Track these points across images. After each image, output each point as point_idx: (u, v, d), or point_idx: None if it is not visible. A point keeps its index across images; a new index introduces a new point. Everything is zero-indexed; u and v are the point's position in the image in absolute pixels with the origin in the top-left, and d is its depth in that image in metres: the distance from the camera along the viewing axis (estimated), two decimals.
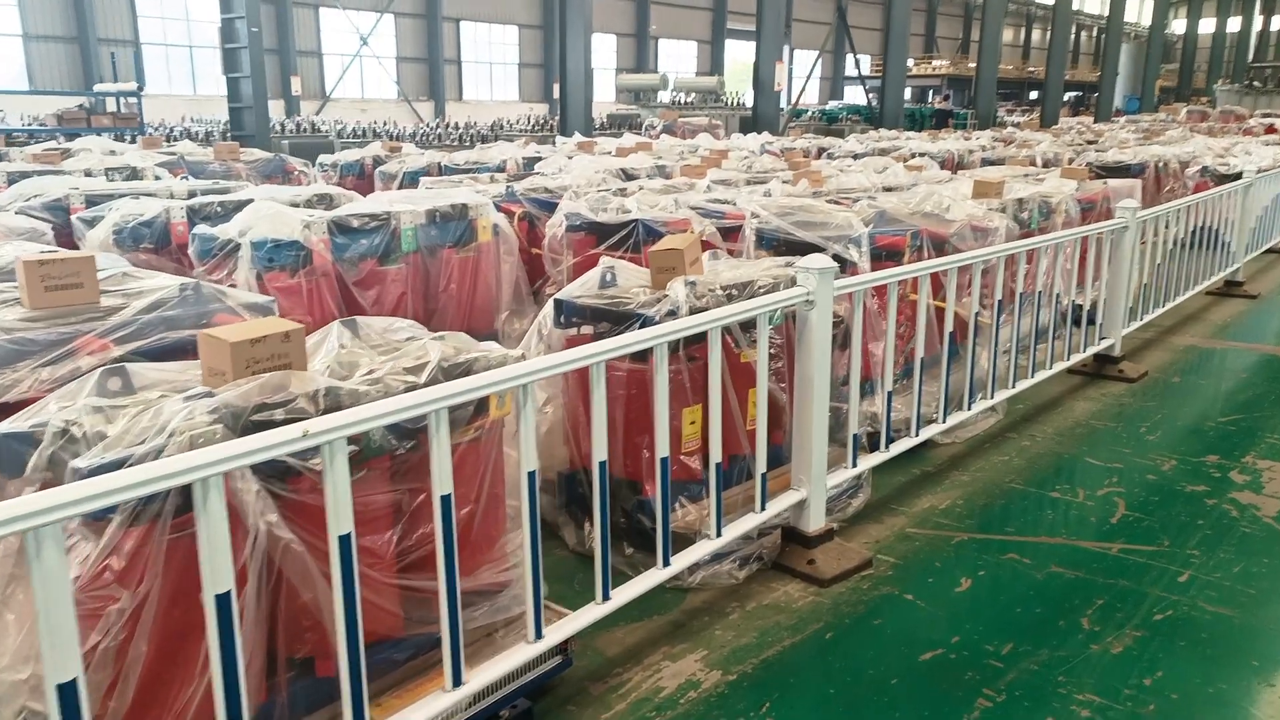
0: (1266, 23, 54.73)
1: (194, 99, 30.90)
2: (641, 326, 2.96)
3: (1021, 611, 3.00)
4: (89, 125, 12.33)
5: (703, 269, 3.39)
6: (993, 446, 4.50)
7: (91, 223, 4.71)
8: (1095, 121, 32.07)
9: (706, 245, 5.02)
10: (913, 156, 12.61)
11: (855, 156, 12.66)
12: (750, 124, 23.61)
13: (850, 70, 46.88)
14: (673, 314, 3.04)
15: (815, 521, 3.25)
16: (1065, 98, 57.44)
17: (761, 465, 3.02)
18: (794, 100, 29.46)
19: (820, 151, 13.87)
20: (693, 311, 3.03)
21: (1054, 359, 4.98)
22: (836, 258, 4.20)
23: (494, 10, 39.28)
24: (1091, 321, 5.47)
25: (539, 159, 8.89)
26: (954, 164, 12.53)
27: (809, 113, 34.82)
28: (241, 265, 4.06)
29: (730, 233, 4.95)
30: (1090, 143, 16.83)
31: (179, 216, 4.70)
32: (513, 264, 5.13)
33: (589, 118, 18.23)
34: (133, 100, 13.09)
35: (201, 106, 29.00)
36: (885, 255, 4.31)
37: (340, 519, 1.73)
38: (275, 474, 1.84)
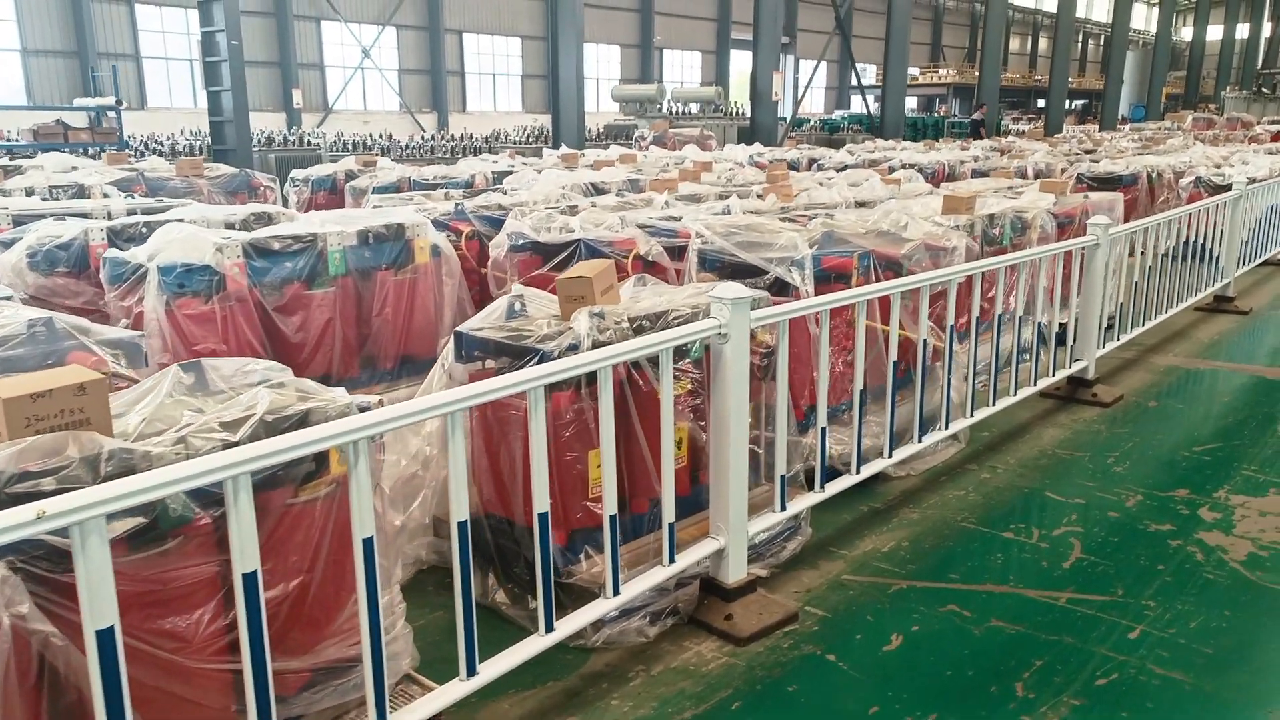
0: (1276, 29, 54.27)
1: (195, 112, 30.85)
2: (540, 362, 2.74)
3: (952, 675, 2.75)
4: (65, 140, 12.21)
5: (618, 298, 3.16)
6: (950, 480, 4.25)
7: (10, 244, 4.52)
8: (1100, 129, 31.82)
9: (656, 268, 4.82)
10: (903, 167, 12.43)
11: (845, 168, 12.45)
12: (749, 134, 23.43)
13: (857, 80, 46.65)
14: (574, 348, 2.81)
15: (735, 572, 3.01)
16: (1072, 106, 57.24)
17: (669, 514, 2.79)
18: (794, 110, 29.24)
19: (811, 163, 13.67)
20: (596, 345, 2.81)
21: (1019, 385, 4.73)
22: (779, 281, 3.99)
23: (497, 22, 39.22)
24: (1062, 343, 5.21)
25: (510, 172, 8.69)
26: (944, 175, 12.31)
27: (811, 123, 34.61)
28: (149, 291, 3.86)
29: (680, 252, 4.73)
30: (1088, 152, 16.56)
31: (98, 239, 4.50)
32: (454, 286, 4.91)
33: (582, 129, 18.05)
34: (111, 115, 12.98)
35: (204, 120, 28.95)
36: (835, 278, 4.09)
37: (97, 611, 1.50)
38: (39, 554, 1.62)
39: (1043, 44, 64.46)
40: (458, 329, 3.05)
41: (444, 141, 20.01)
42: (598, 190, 7.68)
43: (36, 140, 12.11)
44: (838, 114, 41.52)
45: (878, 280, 4.03)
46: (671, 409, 2.74)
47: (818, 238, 4.11)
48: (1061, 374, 5.20)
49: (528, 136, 22.00)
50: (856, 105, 40.88)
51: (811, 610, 3.11)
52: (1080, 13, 64.28)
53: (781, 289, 4.00)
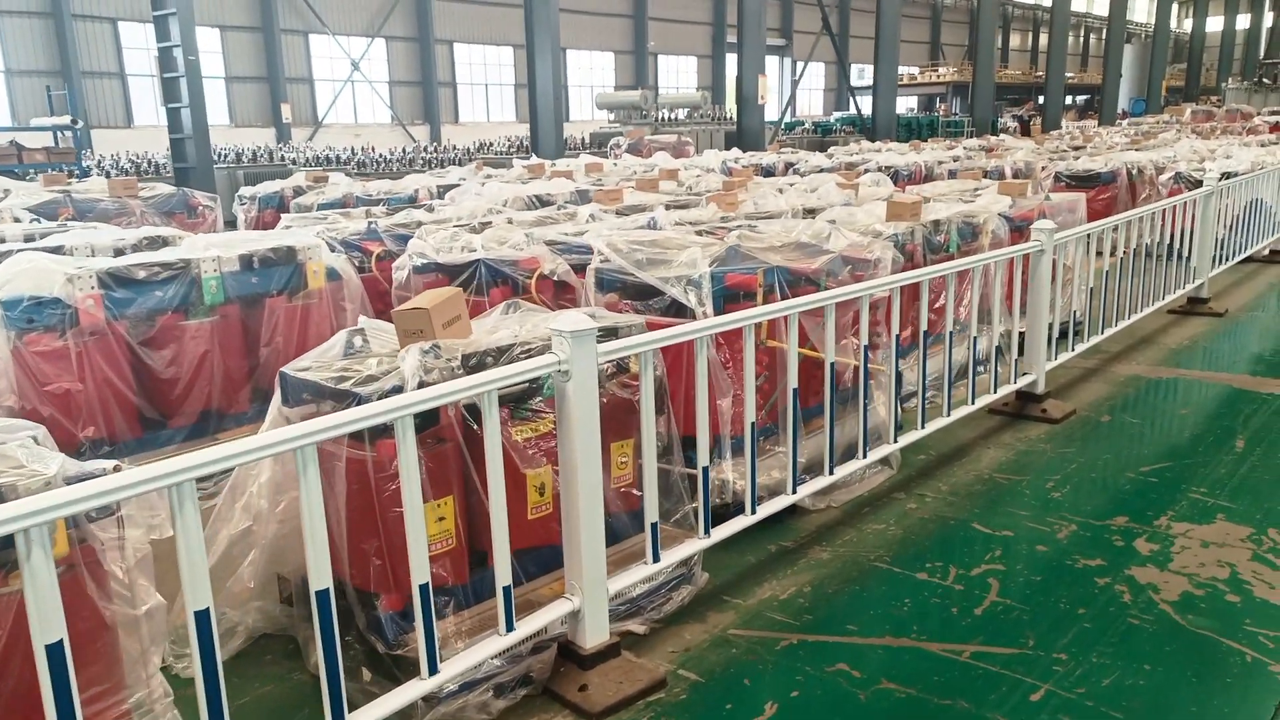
0: (1277, 19, 53.73)
1: None
2: (357, 405, 2.45)
3: None
4: (19, 161, 12.01)
5: (467, 329, 2.87)
6: (872, 511, 3.94)
7: None
8: (1099, 124, 31.42)
9: (566, 288, 4.53)
10: (879, 170, 12.13)
11: (821, 171, 12.17)
12: (736, 139, 23.12)
13: (856, 81, 46.31)
14: (398, 390, 2.52)
15: (594, 635, 2.70)
16: (1073, 101, 56.72)
17: (504, 576, 2.48)
18: (784, 113, 28.92)
19: (788, 167, 13.36)
20: (423, 386, 2.51)
21: (953, 404, 4.41)
22: (676, 302, 3.70)
23: (488, 31, 39.02)
24: (1003, 356, 4.89)
25: (455, 186, 8.41)
26: (922, 177, 12.01)
27: (805, 125, 34.28)
28: None
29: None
30: (1078, 148, 16.23)
31: None
32: (355, 311, 4.63)
33: (559, 138, 17.79)
34: (68, 134, 12.77)
35: None
36: (744, 296, 3.79)
37: None
38: None
39: (1044, 40, 64.02)
40: (282, 369, 2.77)
41: (423, 155, 19.75)
42: (542, 203, 7.40)
43: None
44: (835, 116, 41.17)
45: (785, 298, 3.73)
46: (500, 458, 2.44)
47: (721, 253, 3.81)
48: (1006, 389, 4.88)
49: (510, 147, 21.76)
50: (858, 107, 40.56)
51: (684, 674, 2.80)
52: (1081, 7, 63.91)
53: (681, 310, 3.71)
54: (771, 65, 48.80)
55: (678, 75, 46.75)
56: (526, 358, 2.68)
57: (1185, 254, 7.11)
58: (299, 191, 9.02)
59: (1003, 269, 5.14)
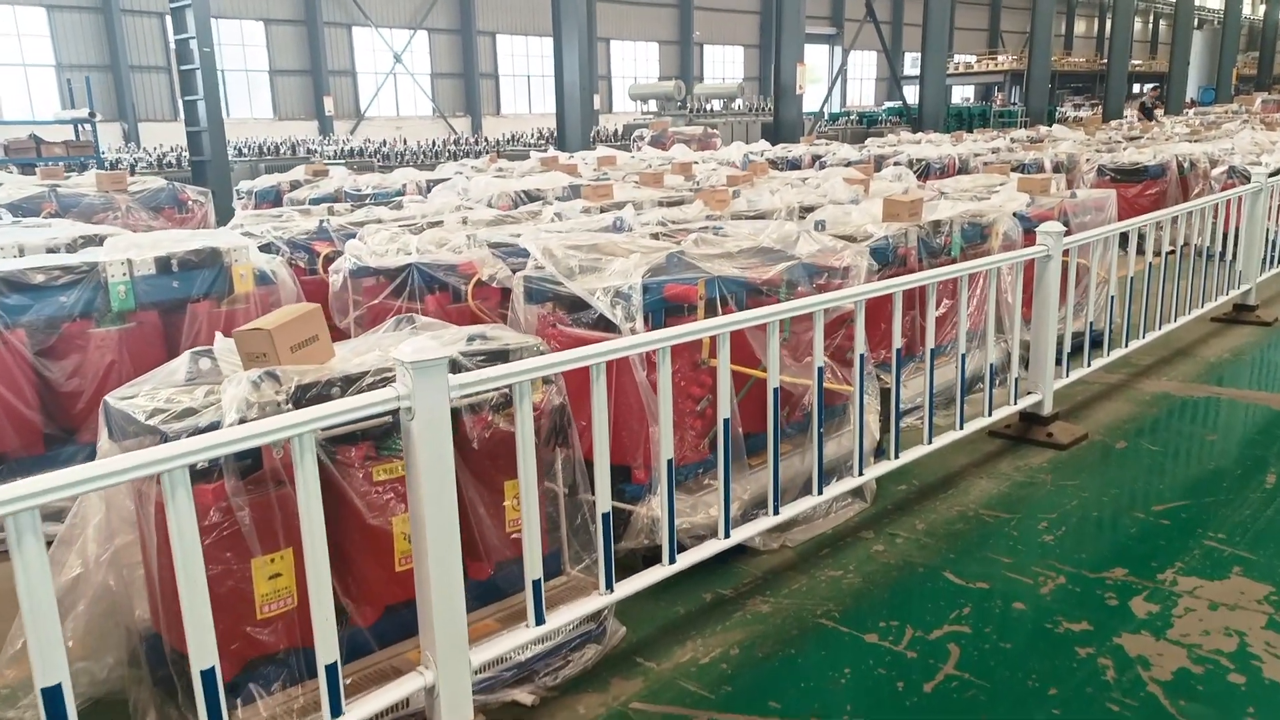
0: None
1: (231, 122, 30.96)
2: (161, 443, 2.09)
3: None
4: (38, 155, 11.97)
5: (327, 352, 2.49)
6: (832, 553, 3.48)
7: None
8: (1165, 113, 30.10)
9: (510, 294, 4.13)
10: (910, 163, 11.56)
11: (849, 164, 11.64)
12: (772, 130, 22.51)
13: (910, 70, 45.13)
14: (215, 426, 2.15)
15: (452, 715, 2.31)
16: (1139, 89, 54.64)
17: (326, 651, 2.09)
18: (824, 103, 28.17)
19: (815, 160, 12.82)
20: (244, 421, 2.14)
21: (934, 431, 3.92)
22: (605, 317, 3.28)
23: (530, 23, 38.73)
24: (995, 377, 4.39)
25: (444, 180, 8.07)
26: (955, 170, 11.40)
27: (849, 116, 33.41)
28: None
29: None
30: (1133, 139, 15.38)
31: None
32: None
33: (586, 130, 17.39)
34: (87, 127, 12.75)
35: (238, 130, 28.96)
36: (687, 309, 3.36)
37: None
38: None
39: (1110, 26, 61.88)
40: (106, 397, 2.42)
41: (449, 148, 19.50)
42: (530, 199, 7.02)
43: (8, 155, 11.92)
44: (887, 105, 40.13)
45: (728, 311, 3.29)
46: (318, 510, 2.05)
47: (659, 261, 3.38)
48: (1004, 411, 4.37)
49: (539, 139, 21.44)
50: (910, 96, 39.50)
51: None
52: None
53: (612, 324, 3.29)
54: (819, 54, 47.98)
55: (723, 66, 46.06)
56: (383, 387, 2.29)
57: (1231, 256, 6.46)
58: (296, 185, 8.78)
59: (1004, 276, 4.64)
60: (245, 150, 16.62)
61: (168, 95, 30.27)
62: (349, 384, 2.32)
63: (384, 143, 20.44)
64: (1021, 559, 3.40)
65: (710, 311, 3.32)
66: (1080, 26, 61.70)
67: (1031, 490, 4.00)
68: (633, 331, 3.14)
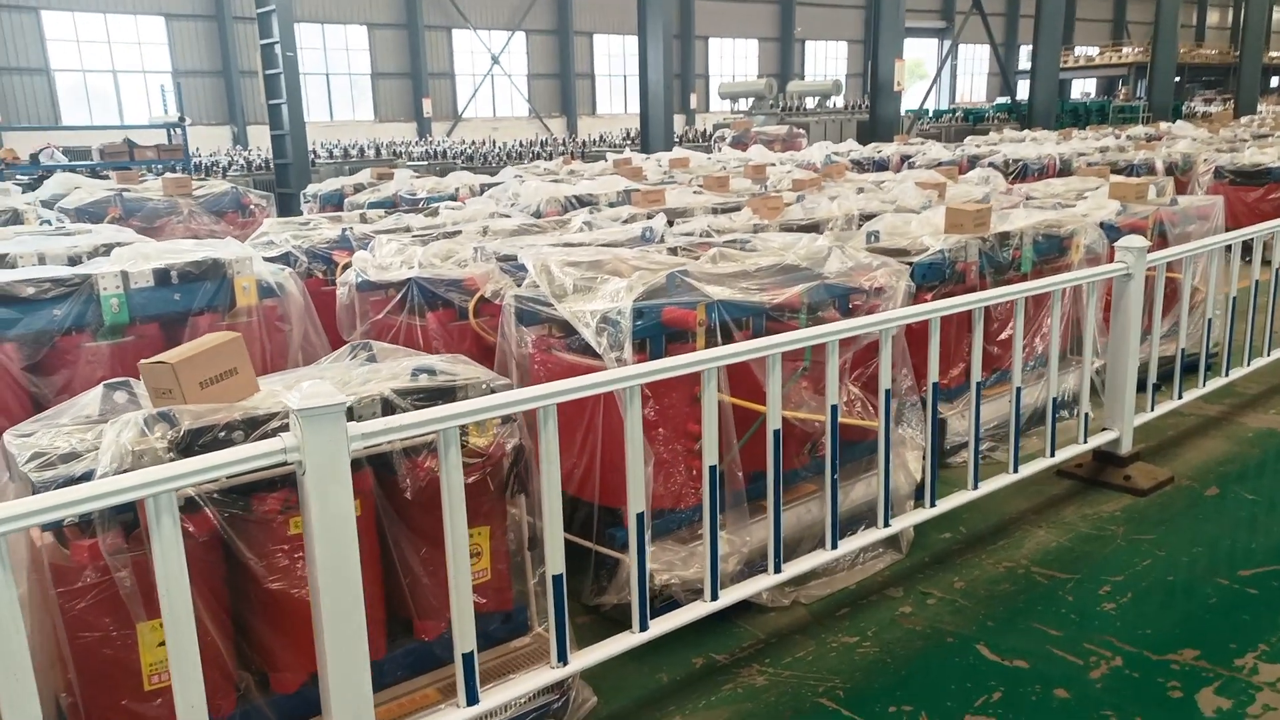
0: None
1: (331, 125, 31.91)
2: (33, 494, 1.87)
3: None
4: (131, 158, 12.39)
5: (248, 388, 2.24)
6: (851, 614, 3.07)
7: None
8: None
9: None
10: (1005, 164, 10.86)
11: (939, 164, 11.02)
12: (868, 129, 21.73)
13: (1025, 64, 43.23)
14: (89, 476, 1.92)
15: None
16: (1276, 84, 50.99)
17: None
18: (924, 98, 27.10)
19: (903, 160, 12.19)
20: (122, 471, 1.91)
21: (978, 476, 3.45)
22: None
23: (629, 22, 38.55)
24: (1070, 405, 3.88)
25: (498, 184, 7.87)
26: (1055, 170, 10.64)
27: (953, 113, 32.09)
28: None
29: None
30: (1261, 137, 14.16)
31: None
32: (298, 331, 4.11)
33: (669, 130, 17.04)
34: (179, 130, 13.15)
35: (338, 133, 29.77)
36: (691, 336, 3.01)
37: None
38: None
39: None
40: (5, 433, 2.22)
41: (532, 149, 19.46)
42: (581, 204, 6.75)
43: (103, 159, 12.38)
44: (998, 102, 38.49)
45: (733, 338, 2.93)
46: (182, 577, 1.79)
47: (658, 283, 3.03)
48: (1071, 451, 3.85)
49: (627, 139, 21.21)
50: (1024, 92, 37.82)
51: None
52: None
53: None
54: (928, 49, 46.40)
55: (825, 62, 45.05)
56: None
57: None
58: (360, 188, 8.74)
59: (1074, 296, 4.12)
60: (335, 152, 16.91)
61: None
62: (253, 427, 2.06)
63: (471, 144, 20.54)
64: (1073, 632, 2.92)
65: (713, 339, 2.96)
66: (1213, 16, 58.08)
67: (1097, 545, 3.49)
68: (619, 361, 2.81)
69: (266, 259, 4.63)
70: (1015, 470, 3.58)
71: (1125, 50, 48.20)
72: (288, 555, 2.12)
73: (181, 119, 13.86)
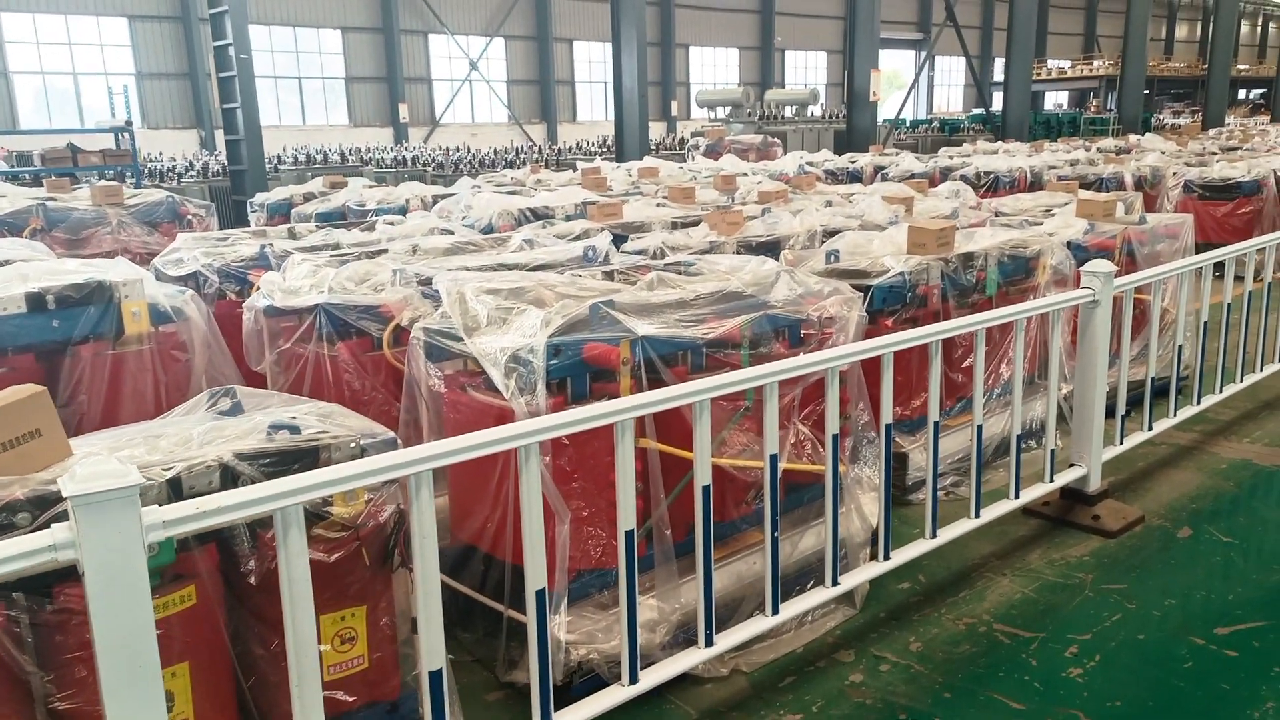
0: None
1: (304, 130, 31.43)
2: None
3: None
4: (74, 164, 11.93)
5: (58, 450, 1.90)
6: (796, 684, 2.78)
7: None
8: (1271, 121, 28.14)
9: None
10: (977, 177, 10.69)
11: (911, 176, 10.84)
12: (844, 139, 21.58)
13: (999, 76, 43.43)
14: None
15: None
16: (1245, 96, 51.57)
17: None
18: (900, 109, 27.06)
19: (877, 171, 11.98)
20: None
21: (938, 521, 3.17)
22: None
23: (607, 28, 38.36)
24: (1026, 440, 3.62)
25: (451, 195, 7.55)
26: (1026, 184, 10.46)
27: (929, 124, 32.06)
28: None
29: None
30: (1230, 149, 14.09)
31: None
32: (200, 360, 3.78)
33: (644, 139, 16.78)
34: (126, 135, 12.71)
35: (312, 137, 29.29)
36: (612, 375, 2.71)
37: None
38: None
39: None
40: None
41: (505, 156, 19.12)
42: (536, 217, 6.45)
43: (45, 164, 11.92)
44: (973, 112, 38.60)
45: (661, 380, 2.63)
46: None
47: (579, 314, 2.73)
48: (1036, 491, 3.58)
49: (603, 147, 20.94)
50: (985, 104, 37.90)
51: None
52: None
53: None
54: (905, 60, 46.50)
55: (805, 72, 45.10)
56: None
57: None
58: (310, 198, 8.40)
59: (1037, 325, 3.87)
60: (299, 158, 16.51)
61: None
62: (43, 508, 1.72)
63: (445, 150, 20.18)
64: (1036, 704, 2.64)
65: (638, 378, 2.66)
66: (1182, 30, 58.76)
67: (1065, 596, 3.22)
68: (530, 406, 2.51)
69: (173, 278, 4.32)
70: (977, 515, 3.30)
71: (1096, 63, 48.61)
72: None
73: (129, 123, 13.40)
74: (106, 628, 1.51)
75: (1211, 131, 20.74)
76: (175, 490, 1.80)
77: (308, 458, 1.94)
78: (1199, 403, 4.44)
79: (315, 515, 1.93)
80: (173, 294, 3.69)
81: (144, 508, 1.54)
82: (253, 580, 1.87)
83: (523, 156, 20.20)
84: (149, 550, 1.58)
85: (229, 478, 1.82)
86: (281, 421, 2.00)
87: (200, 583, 1.83)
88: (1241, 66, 49.32)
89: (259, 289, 3.86)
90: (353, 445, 1.99)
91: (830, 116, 26.04)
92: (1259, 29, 61.62)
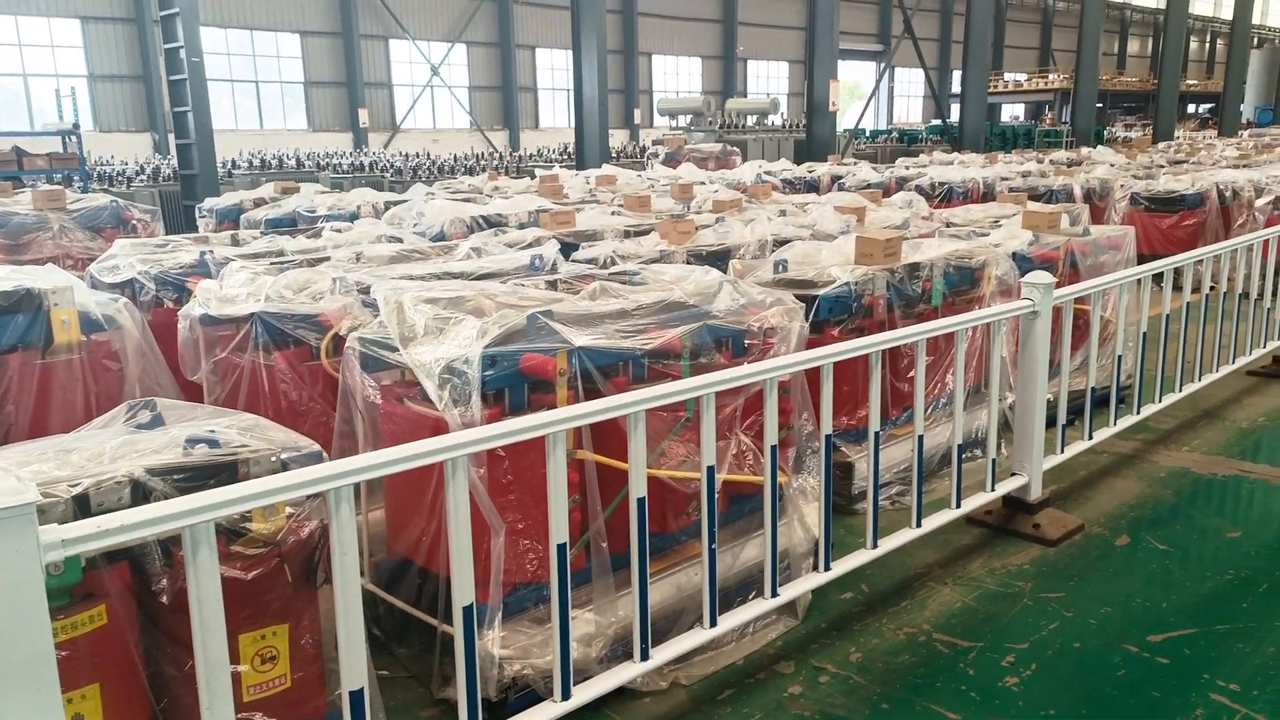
0: None
1: (261, 134, 31.03)
2: None
3: None
4: (20, 167, 11.66)
5: None
6: (735, 697, 2.77)
7: None
8: (1219, 135, 28.84)
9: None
10: (931, 188, 10.82)
11: (867, 186, 10.96)
12: (804, 148, 21.75)
13: (957, 88, 44.14)
14: None
15: None
16: (1197, 110, 52.86)
17: None
18: (859, 119, 27.38)
19: (834, 180, 12.09)
20: None
21: (880, 531, 3.18)
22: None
23: (569, 36, 38.38)
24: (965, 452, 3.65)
25: (403, 201, 7.49)
26: (979, 195, 10.61)
27: (889, 134, 32.44)
28: None
29: None
30: (1177, 162, 14.41)
31: None
32: (134, 369, 3.69)
33: (604, 147, 16.78)
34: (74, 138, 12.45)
35: (269, 141, 28.93)
36: (546, 387, 2.68)
37: None
38: None
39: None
40: None
41: (465, 163, 19.01)
42: (489, 224, 6.41)
43: None
44: (932, 123, 39.15)
45: (601, 391, 2.61)
46: None
47: (518, 324, 2.70)
48: (978, 500, 3.61)
49: (564, 154, 20.90)
50: (943, 115, 38.41)
51: None
52: (1208, 10, 59.71)
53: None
54: (866, 71, 47.01)
55: (768, 81, 45.49)
56: None
57: (1272, 300, 5.61)
58: (260, 203, 8.28)
59: (981, 335, 3.91)
60: (254, 162, 16.28)
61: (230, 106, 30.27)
62: None
63: (405, 156, 20.00)
64: (972, 712, 2.66)
65: (576, 389, 2.64)
66: (1134, 45, 60.19)
67: (1004, 605, 3.25)
68: (463, 418, 2.47)
69: (108, 285, 4.22)
70: (918, 525, 3.32)
71: (1051, 76, 49.64)
72: None
73: (76, 125, 13.14)
74: (3, 650, 1.45)
75: (1161, 145, 21.21)
76: (83, 507, 1.74)
77: (225, 473, 1.89)
78: (1139, 412, 4.50)
79: (233, 532, 1.89)
80: (105, 302, 3.61)
81: (43, 526, 1.49)
82: (165, 599, 1.82)
83: (483, 163, 20.11)
84: (50, 570, 1.53)
85: (140, 494, 1.77)
86: (199, 435, 1.94)
87: (111, 602, 1.77)
88: (1191, 82, 50.57)
89: (196, 297, 3.78)
90: (274, 459, 1.95)
91: (791, 126, 26.27)
92: (1206, 45, 63.25)
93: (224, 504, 1.65)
